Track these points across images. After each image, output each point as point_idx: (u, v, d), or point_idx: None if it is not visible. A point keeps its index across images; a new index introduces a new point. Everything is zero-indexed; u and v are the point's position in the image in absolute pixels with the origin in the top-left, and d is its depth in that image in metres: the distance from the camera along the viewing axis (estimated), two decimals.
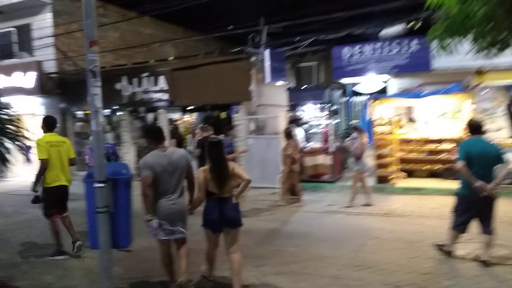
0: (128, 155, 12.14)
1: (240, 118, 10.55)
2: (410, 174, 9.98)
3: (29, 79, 12.25)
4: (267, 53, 9.63)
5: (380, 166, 9.45)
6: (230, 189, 3.97)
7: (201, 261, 4.39)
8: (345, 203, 7.90)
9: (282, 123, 10.06)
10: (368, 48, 10.87)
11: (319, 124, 10.52)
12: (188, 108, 11.64)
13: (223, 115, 11.03)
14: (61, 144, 5.43)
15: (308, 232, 6.34)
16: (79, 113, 13.03)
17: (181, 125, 12.17)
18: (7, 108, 4.96)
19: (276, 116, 10.07)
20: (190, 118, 11.76)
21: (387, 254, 5.14)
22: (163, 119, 11.57)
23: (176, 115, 11.92)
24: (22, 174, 11.08)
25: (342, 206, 7.88)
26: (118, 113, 12.46)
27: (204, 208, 4.01)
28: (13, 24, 13.47)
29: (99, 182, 3.72)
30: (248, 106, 10.50)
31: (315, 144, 10.78)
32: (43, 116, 5.66)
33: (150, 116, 12.14)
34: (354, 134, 8.29)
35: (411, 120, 10.50)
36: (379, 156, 9.38)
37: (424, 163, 9.88)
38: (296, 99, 10.28)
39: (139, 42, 13.27)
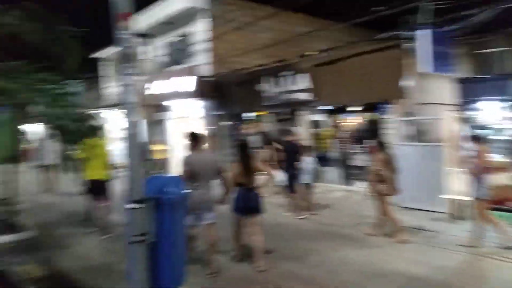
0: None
1: (391, 120, 8.60)
2: None
3: (188, 83, 13.01)
4: (426, 35, 7.40)
5: None
6: (254, 181, 4.97)
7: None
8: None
9: (448, 126, 7.67)
10: None
11: (504, 129, 7.62)
12: (331, 108, 10.28)
13: (371, 116, 9.25)
14: None
15: None
16: (237, 116, 13.20)
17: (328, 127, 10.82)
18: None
19: (440, 118, 7.74)
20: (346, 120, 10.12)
21: None
22: (304, 121, 10.52)
23: (319, 117, 10.69)
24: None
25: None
26: (259, 116, 12.06)
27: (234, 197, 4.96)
28: (177, 33, 14.70)
29: (134, 202, 2.89)
30: (403, 105, 8.45)
31: (500, 157, 7.88)
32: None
33: (294, 118, 11.28)
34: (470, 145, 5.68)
35: None
36: None
37: None
38: (470, 94, 7.68)
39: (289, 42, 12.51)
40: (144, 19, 15.59)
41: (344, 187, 9.90)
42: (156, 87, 14.33)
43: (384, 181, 6.00)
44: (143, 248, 2.91)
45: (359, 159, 9.57)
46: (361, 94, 8.98)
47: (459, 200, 7.07)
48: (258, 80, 11.34)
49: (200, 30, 13.49)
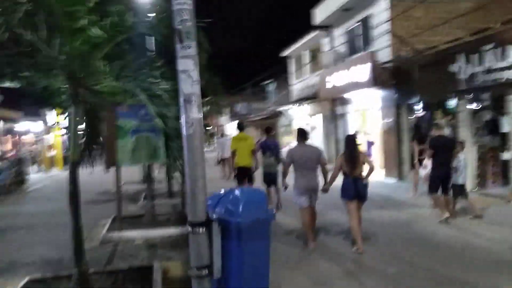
0: (468, 157, 9.19)
1: None
2: None
3: (364, 71, 11.74)
4: None
5: None
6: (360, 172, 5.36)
7: None
8: None
9: None
10: None
11: None
12: None
13: None
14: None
15: None
16: (416, 105, 11.24)
17: None
18: None
19: None
20: None
21: None
22: None
23: None
24: None
25: None
26: (453, 104, 9.71)
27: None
28: (357, 19, 13.50)
29: (192, 224, 2.28)
30: None
31: None
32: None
33: (498, 106, 8.61)
34: None
35: None
36: None
37: None
38: None
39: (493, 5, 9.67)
40: (322, 10, 15.06)
41: None
42: (336, 79, 13.58)
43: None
44: (206, 284, 2.28)
45: None
46: None
47: None
48: (451, 59, 9.12)
49: (380, 10, 11.97)
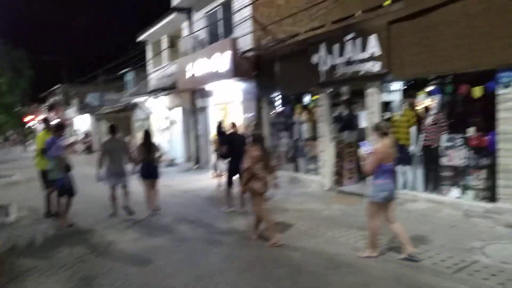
0: (325, 154, 8.80)
1: None
2: None
3: (225, 61, 10.61)
4: None
5: None
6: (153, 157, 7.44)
7: None
8: None
9: None
10: None
11: None
12: (409, 83, 7.23)
13: (476, 92, 6.10)
14: None
15: None
16: (277, 99, 10.58)
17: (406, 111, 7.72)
18: None
19: None
20: (429, 101, 7.06)
21: None
22: (374, 103, 7.57)
23: (394, 97, 7.64)
24: None
25: None
26: (314, 97, 9.28)
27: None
28: (218, 2, 12.35)
29: None
30: None
31: None
32: None
33: (356, 101, 8.37)
34: None
35: None
36: None
37: None
38: None
39: None
40: None
41: (430, 195, 6.86)
42: (196, 69, 12.15)
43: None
44: None
45: (454, 156, 6.50)
46: (465, 59, 5.90)
47: None
48: (312, 50, 8.58)
49: None
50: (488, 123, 5.89)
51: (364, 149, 4.62)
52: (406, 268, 4.33)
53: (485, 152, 6.06)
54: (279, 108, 10.59)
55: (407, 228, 4.80)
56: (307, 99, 9.73)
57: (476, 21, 5.77)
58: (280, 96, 10.41)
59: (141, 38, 18.14)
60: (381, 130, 4.59)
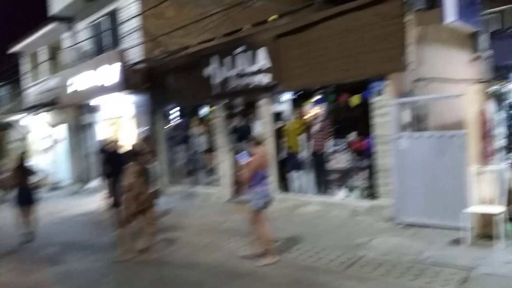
0: (223, 165, 8.81)
1: (385, 103, 6.08)
2: None
3: (113, 73, 10.00)
4: None
5: None
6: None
7: None
8: None
9: (470, 106, 5.24)
10: None
11: None
12: (299, 93, 7.66)
13: (354, 100, 6.71)
14: None
15: None
16: (172, 112, 10.30)
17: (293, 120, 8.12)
18: None
19: (458, 95, 5.32)
20: (316, 110, 7.48)
21: None
22: (266, 113, 7.83)
23: (284, 107, 8.02)
24: None
25: None
26: (208, 110, 9.27)
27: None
28: (104, 12, 11.67)
29: None
30: (399, 83, 5.99)
31: None
32: None
33: (250, 112, 8.57)
34: None
35: None
36: None
37: None
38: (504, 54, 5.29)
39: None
40: None
41: (321, 198, 7.30)
42: (80, 82, 11.21)
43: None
44: None
45: (340, 159, 7.04)
46: (343, 70, 6.44)
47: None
48: (205, 63, 8.56)
49: (129, 4, 10.51)
50: (366, 128, 6.51)
51: (242, 160, 4.76)
52: (302, 271, 4.50)
53: (365, 154, 6.68)
54: (175, 121, 10.33)
55: (301, 232, 5.00)
56: (203, 111, 9.66)
57: (350, 36, 6.35)
58: (176, 109, 10.16)
59: (14, 49, 16.20)
60: (255, 140, 4.80)
